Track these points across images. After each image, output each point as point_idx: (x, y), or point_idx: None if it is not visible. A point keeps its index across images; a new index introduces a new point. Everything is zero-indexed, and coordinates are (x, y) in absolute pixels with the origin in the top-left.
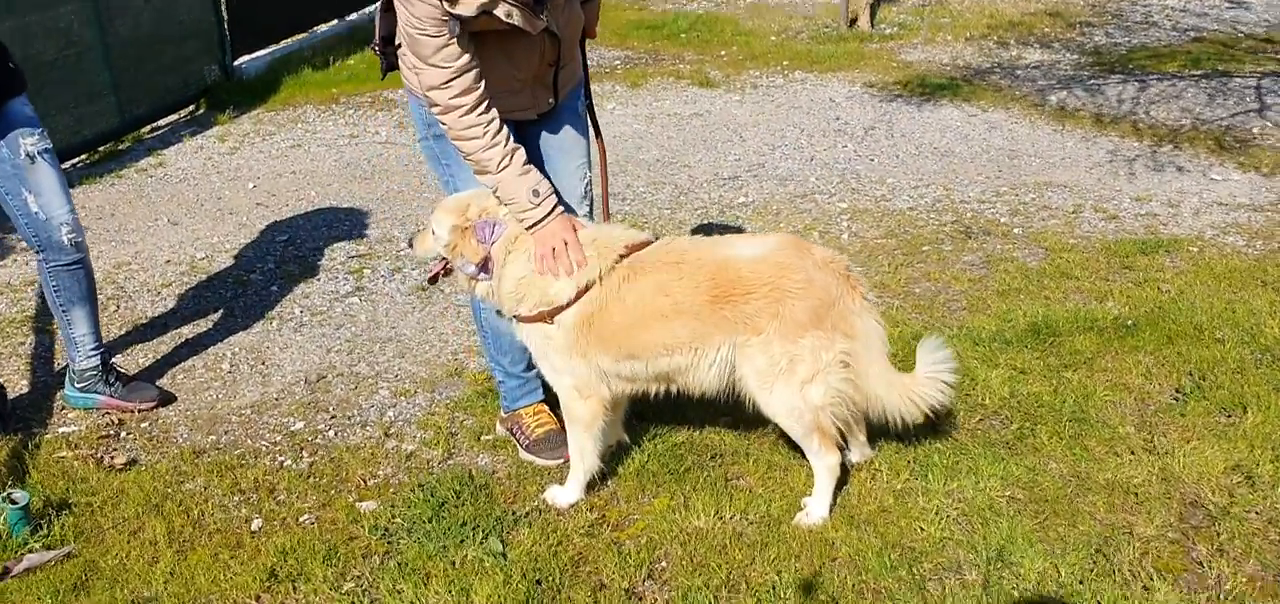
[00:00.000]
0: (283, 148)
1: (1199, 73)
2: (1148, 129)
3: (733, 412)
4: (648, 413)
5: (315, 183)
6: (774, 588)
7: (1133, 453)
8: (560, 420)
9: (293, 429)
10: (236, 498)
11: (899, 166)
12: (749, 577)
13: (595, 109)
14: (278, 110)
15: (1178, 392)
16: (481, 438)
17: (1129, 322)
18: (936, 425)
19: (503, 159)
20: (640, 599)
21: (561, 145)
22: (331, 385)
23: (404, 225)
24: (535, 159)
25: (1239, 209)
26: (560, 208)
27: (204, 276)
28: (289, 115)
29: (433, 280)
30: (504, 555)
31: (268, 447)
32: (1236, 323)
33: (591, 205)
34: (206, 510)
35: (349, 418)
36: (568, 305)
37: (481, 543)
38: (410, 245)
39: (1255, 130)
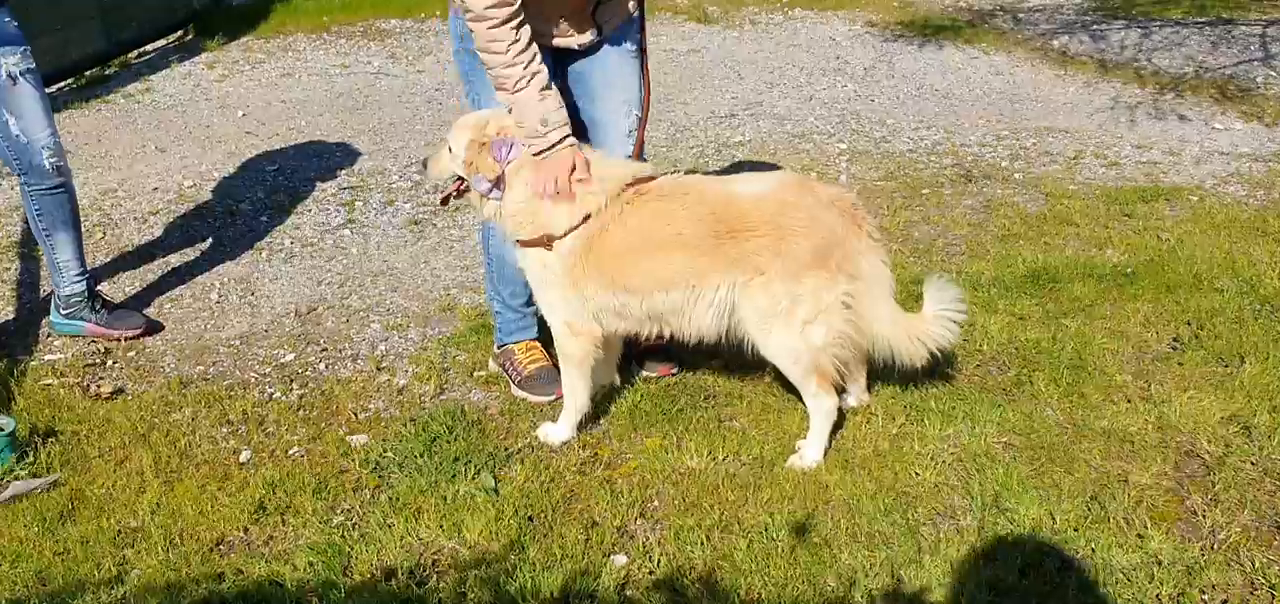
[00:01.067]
0: (273, 76)
1: (1203, 19)
2: (1151, 76)
3: (725, 354)
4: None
5: (306, 112)
6: (766, 530)
7: (1129, 401)
8: (553, 359)
9: (282, 361)
10: (225, 429)
11: (899, 108)
12: (741, 518)
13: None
14: (268, 38)
15: (1176, 341)
16: (474, 374)
17: (1128, 270)
18: (934, 370)
19: (520, 79)
20: (632, 538)
21: (607, 79)
22: (322, 318)
23: (397, 157)
24: (583, 90)
25: (1240, 159)
26: (571, 141)
27: (191, 205)
28: (279, 43)
29: (445, 201)
30: (496, 491)
31: (257, 378)
32: (1236, 273)
33: (639, 148)
34: (194, 441)
35: (340, 351)
36: (565, 234)
37: (473, 478)
38: (424, 167)
39: (1259, 79)
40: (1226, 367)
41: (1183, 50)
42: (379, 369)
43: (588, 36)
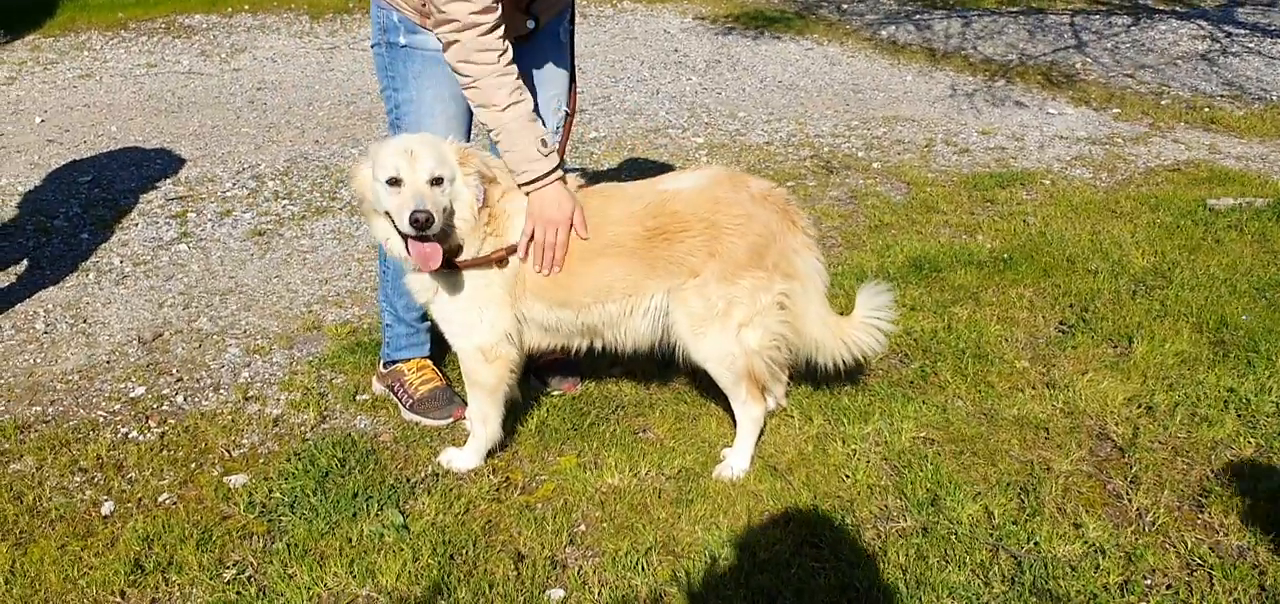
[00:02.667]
0: (70, 78)
1: (1016, 9)
2: (980, 64)
3: (629, 360)
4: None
5: (114, 116)
6: (706, 548)
7: (1033, 388)
8: (447, 378)
9: (133, 395)
10: (78, 478)
11: (747, 100)
12: (677, 536)
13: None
14: (57, 36)
15: (1063, 324)
16: (356, 398)
17: (1005, 255)
18: (840, 367)
19: (513, 92)
20: (565, 568)
21: (539, 75)
22: (170, 344)
23: (226, 163)
24: None
25: (1079, 142)
26: (562, 174)
27: None
28: (71, 42)
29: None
30: (406, 528)
31: (107, 417)
32: (1105, 254)
33: (563, 149)
34: (43, 494)
35: (198, 381)
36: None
37: (378, 515)
38: (423, 226)
39: (1078, 65)
40: (1117, 348)
41: (1003, 38)
42: (247, 399)
43: (524, 28)
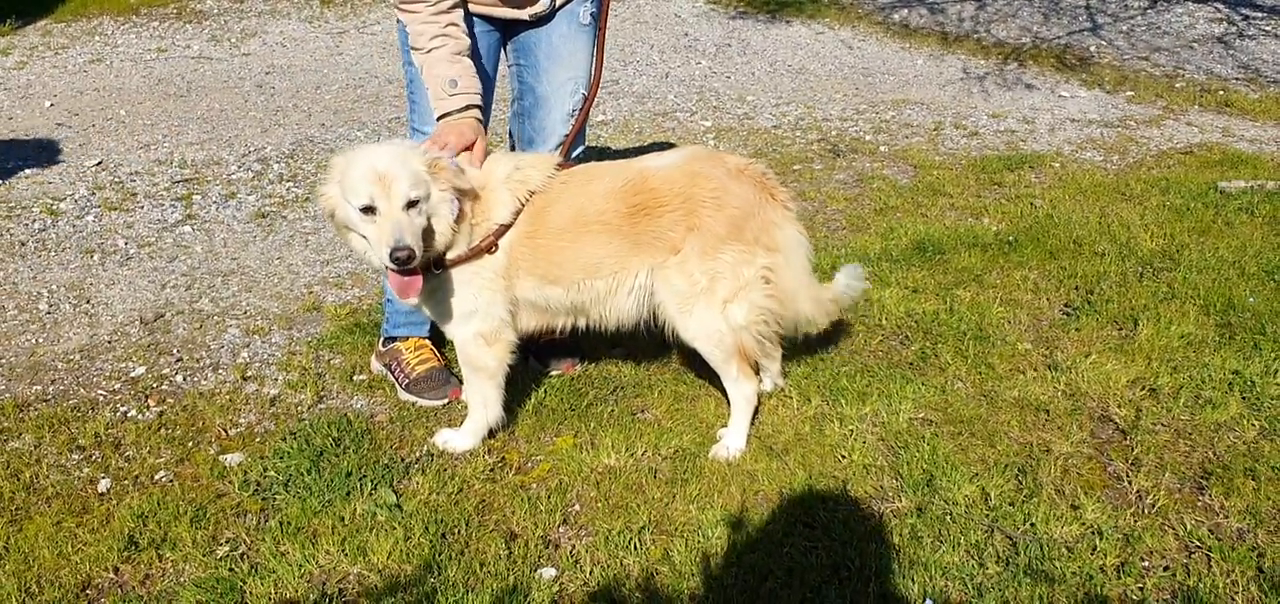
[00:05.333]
0: (80, 63)
1: None
2: (993, 47)
3: (629, 341)
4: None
5: (124, 101)
6: (699, 527)
7: (1035, 370)
8: (444, 358)
9: (133, 375)
10: (76, 456)
11: (756, 84)
12: (671, 516)
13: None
14: (69, 21)
15: (1068, 306)
16: (353, 378)
17: (1010, 238)
18: (839, 347)
19: (436, 37)
20: (557, 547)
21: (553, 53)
22: (172, 325)
23: (232, 146)
24: (528, 63)
25: (1090, 125)
26: (475, 112)
27: (3, 206)
28: (83, 27)
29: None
30: (399, 507)
31: (106, 396)
32: (1112, 237)
33: (580, 134)
34: (41, 472)
35: (198, 360)
36: (511, 221)
37: (371, 494)
38: (404, 263)
39: (1092, 48)
40: (1121, 330)
41: (1017, 21)
42: (245, 378)
43: (539, 6)
